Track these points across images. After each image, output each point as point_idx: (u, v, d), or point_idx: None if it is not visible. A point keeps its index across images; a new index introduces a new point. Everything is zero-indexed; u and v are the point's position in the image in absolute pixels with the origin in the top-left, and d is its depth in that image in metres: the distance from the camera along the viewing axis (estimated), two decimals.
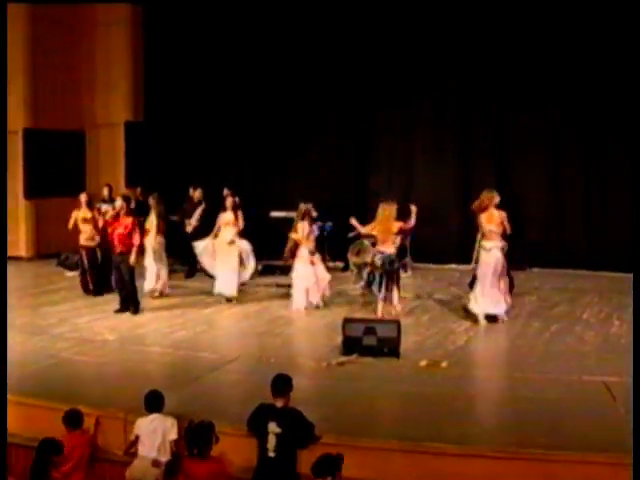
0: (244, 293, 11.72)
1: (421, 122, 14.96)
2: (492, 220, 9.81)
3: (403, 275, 11.09)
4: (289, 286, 11.26)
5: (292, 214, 11.81)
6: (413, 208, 10.43)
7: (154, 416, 6.22)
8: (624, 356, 7.86)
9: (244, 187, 14.04)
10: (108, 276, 11.57)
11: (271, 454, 5.71)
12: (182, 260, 13.88)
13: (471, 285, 10.24)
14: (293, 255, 11.11)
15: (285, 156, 15.47)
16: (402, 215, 10.46)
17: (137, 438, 6.20)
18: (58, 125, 15.73)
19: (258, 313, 10.83)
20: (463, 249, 13.24)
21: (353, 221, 10.62)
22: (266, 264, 13.87)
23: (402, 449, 5.92)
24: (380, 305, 10.19)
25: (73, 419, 6.28)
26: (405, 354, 8.38)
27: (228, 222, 11.34)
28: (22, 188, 15.48)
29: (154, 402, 6.26)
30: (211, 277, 11.82)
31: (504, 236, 9.86)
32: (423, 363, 8.15)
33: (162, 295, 11.75)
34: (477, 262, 10.18)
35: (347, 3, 14.65)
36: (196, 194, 13.87)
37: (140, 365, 8.22)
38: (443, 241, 14.55)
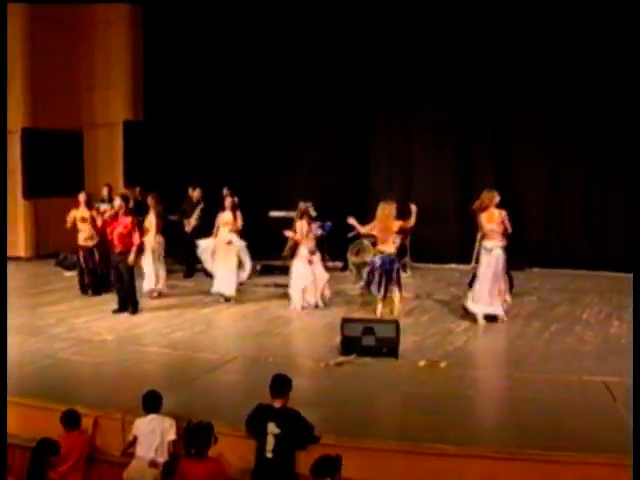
0: (243, 293, 11.69)
1: (422, 122, 14.93)
2: (492, 219, 9.79)
3: (403, 275, 11.05)
4: (288, 286, 11.22)
5: (291, 214, 11.78)
6: (413, 207, 10.38)
7: (152, 416, 6.19)
8: (624, 356, 7.83)
9: (244, 187, 14.03)
10: (107, 276, 11.54)
11: (269, 455, 5.68)
12: (181, 260, 13.86)
13: (471, 284, 10.20)
14: (293, 254, 11.08)
15: (285, 156, 15.46)
16: (403, 214, 10.42)
17: (135, 439, 6.17)
18: (57, 125, 15.70)
19: (257, 313, 10.80)
20: (463, 249, 13.23)
21: (352, 221, 10.58)
22: (265, 264, 13.87)
23: (401, 450, 5.89)
24: (379, 305, 10.16)
25: (70, 419, 6.26)
26: (404, 354, 8.35)
27: (227, 222, 11.32)
28: (20, 188, 15.45)
29: (152, 402, 6.24)
30: (210, 277, 11.79)
31: (505, 235, 9.84)
32: (422, 363, 8.12)
33: (161, 295, 11.73)
34: (477, 262, 10.16)
35: (348, 3, 14.63)
36: (195, 194, 13.85)
37: (138, 365, 8.18)
38: (443, 241, 14.53)
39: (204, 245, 11.57)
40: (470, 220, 10.85)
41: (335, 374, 7.87)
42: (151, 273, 11.58)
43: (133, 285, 10.75)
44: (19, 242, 15.44)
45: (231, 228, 11.30)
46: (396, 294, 10.21)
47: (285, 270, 11.82)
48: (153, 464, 6.01)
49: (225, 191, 12.82)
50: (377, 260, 10.18)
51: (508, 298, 10.11)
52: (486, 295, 9.84)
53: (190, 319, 10.37)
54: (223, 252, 11.27)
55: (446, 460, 5.80)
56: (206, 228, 12.01)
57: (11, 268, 11.63)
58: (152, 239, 11.52)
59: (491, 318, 9.93)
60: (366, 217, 10.76)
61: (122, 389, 7.29)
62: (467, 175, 14.63)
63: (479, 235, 10.11)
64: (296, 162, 15.45)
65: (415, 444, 5.91)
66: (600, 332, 9.52)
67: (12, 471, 6.11)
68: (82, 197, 12.05)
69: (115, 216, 10.93)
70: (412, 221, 10.46)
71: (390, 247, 10.22)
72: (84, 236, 11.84)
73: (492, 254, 9.76)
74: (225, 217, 11.37)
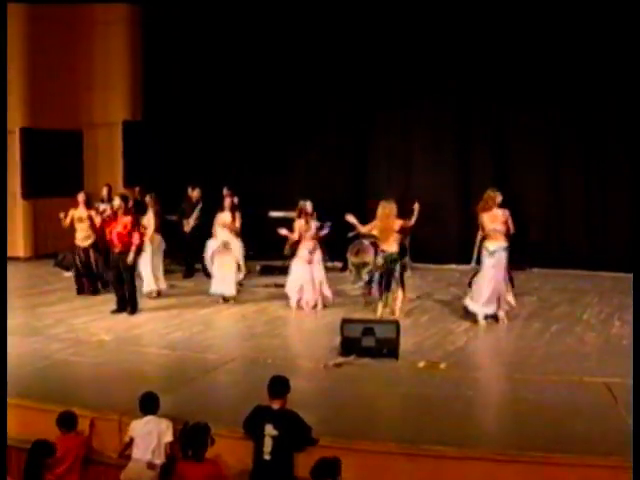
0: (242, 293, 11.65)
1: (421, 122, 14.90)
2: (496, 219, 9.75)
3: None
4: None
5: (291, 214, 11.75)
6: (416, 206, 10.32)
7: (149, 418, 6.14)
8: (626, 357, 7.77)
9: (243, 187, 13.97)
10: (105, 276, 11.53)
11: (267, 457, 5.64)
12: (180, 260, 13.83)
13: (470, 284, 10.14)
14: (294, 253, 11.03)
15: (284, 156, 15.43)
16: (406, 213, 10.37)
17: (132, 440, 6.12)
18: (56, 124, 15.65)
19: (256, 313, 10.75)
20: (463, 249, 13.18)
21: (350, 218, 10.50)
22: (265, 264, 13.83)
23: (401, 452, 5.84)
24: (380, 305, 10.12)
25: (67, 421, 6.22)
26: (404, 355, 8.30)
27: (225, 223, 11.27)
28: (19, 188, 15.42)
29: (149, 404, 6.19)
30: (210, 277, 11.74)
31: (507, 235, 9.80)
32: (422, 364, 8.08)
33: (160, 295, 11.70)
34: (478, 262, 10.11)
35: (347, 3, 14.59)
36: (194, 194, 13.81)
37: (136, 366, 8.13)
38: (442, 241, 14.50)
39: (214, 246, 11.47)
40: (469, 220, 10.81)
41: (334, 375, 7.83)
42: (150, 273, 11.54)
43: (133, 285, 10.71)
44: (18, 242, 15.40)
45: (230, 228, 11.25)
46: (399, 294, 10.16)
47: (285, 270, 11.77)
48: (150, 466, 5.97)
49: (225, 191, 12.76)
50: (380, 259, 10.13)
51: (511, 300, 10.05)
52: (486, 295, 9.79)
53: (189, 319, 10.33)
54: (221, 253, 11.21)
55: (446, 462, 5.75)
56: (205, 228, 11.96)
57: (10, 268, 11.58)
58: (150, 239, 11.48)
59: (492, 318, 9.89)
60: (366, 217, 10.71)
61: (120, 390, 7.24)
62: (466, 175, 14.61)
63: (479, 235, 10.07)
64: (294, 162, 15.43)
65: (414, 446, 5.87)
66: (601, 333, 9.49)
67: (11, 472, 6.08)
68: (81, 197, 12.03)
69: (114, 216, 10.89)
70: (412, 220, 10.41)
71: (392, 246, 10.18)
72: (80, 236, 11.82)
73: (495, 256, 9.70)
74: (223, 217, 11.32)
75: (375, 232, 10.54)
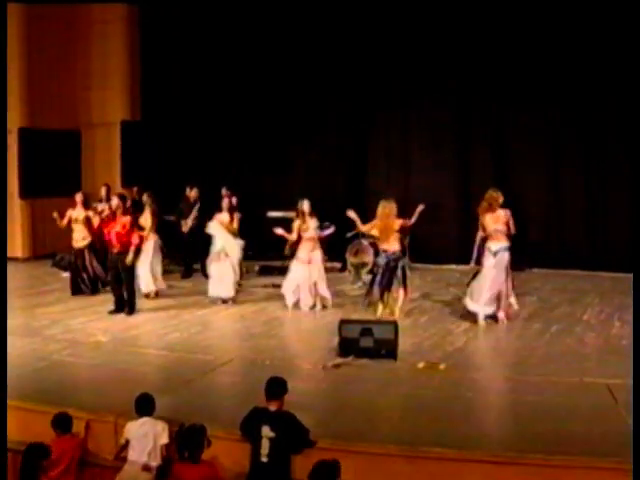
0: (241, 294, 11.59)
1: (420, 122, 14.87)
2: (498, 220, 9.71)
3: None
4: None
5: (290, 214, 11.70)
6: (420, 207, 10.24)
7: (144, 420, 6.08)
8: (626, 358, 7.72)
9: (243, 187, 13.94)
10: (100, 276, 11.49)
11: (264, 459, 5.59)
12: (178, 260, 13.78)
13: (470, 284, 10.09)
14: (293, 253, 10.98)
15: (283, 156, 15.39)
16: (407, 213, 10.33)
17: (127, 442, 6.07)
18: (54, 124, 15.63)
19: (255, 314, 10.70)
20: (462, 249, 13.11)
21: (352, 214, 10.44)
22: (264, 264, 13.78)
23: (400, 454, 5.79)
24: (380, 306, 10.07)
25: (62, 423, 6.17)
26: (402, 356, 8.24)
27: (223, 223, 11.21)
28: (17, 188, 15.38)
29: (144, 405, 6.13)
30: (208, 277, 11.70)
31: (509, 236, 9.75)
32: (421, 365, 8.01)
33: (158, 295, 11.65)
34: (478, 262, 10.06)
35: (347, 3, 14.54)
36: (192, 194, 13.75)
37: (133, 367, 8.06)
38: (442, 241, 14.46)
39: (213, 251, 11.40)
40: (469, 220, 10.76)
41: (333, 376, 7.77)
42: (148, 273, 11.49)
43: (132, 285, 10.65)
44: (16, 242, 15.35)
45: (228, 229, 11.19)
46: (400, 293, 10.10)
47: (284, 270, 11.71)
48: (146, 468, 5.92)
49: (224, 191, 12.73)
50: (381, 259, 10.08)
51: (514, 302, 9.99)
52: (487, 296, 9.73)
53: (187, 320, 10.27)
54: (218, 254, 11.14)
55: (445, 464, 5.70)
56: (203, 228, 11.90)
57: (8, 269, 11.49)
58: (148, 238, 11.43)
59: (491, 319, 9.84)
60: (365, 217, 10.65)
61: (117, 391, 7.18)
62: (465, 175, 14.58)
63: (478, 235, 10.02)
64: (294, 162, 15.39)
65: (413, 448, 5.82)
66: (601, 333, 9.44)
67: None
68: (79, 197, 12.00)
69: (113, 216, 10.84)
70: (413, 219, 10.35)
71: (394, 245, 10.12)
72: (75, 237, 11.79)
73: (497, 256, 9.65)
74: (221, 218, 11.26)
75: (375, 232, 10.49)
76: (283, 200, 13.66)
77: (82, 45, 16.31)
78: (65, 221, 11.86)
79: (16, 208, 15.35)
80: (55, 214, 11.88)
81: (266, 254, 13.69)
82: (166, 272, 12.44)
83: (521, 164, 14.24)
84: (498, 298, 9.81)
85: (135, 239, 10.49)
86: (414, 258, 13.61)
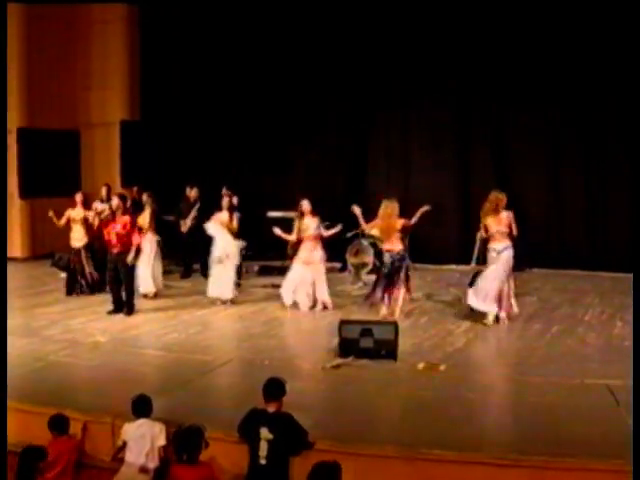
0: (240, 294, 11.53)
1: (420, 122, 14.86)
2: (501, 222, 9.68)
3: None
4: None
5: (289, 214, 11.67)
6: (424, 208, 10.19)
7: (142, 421, 6.04)
8: (627, 358, 7.67)
9: (243, 187, 13.90)
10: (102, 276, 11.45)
11: (262, 461, 5.52)
12: (178, 260, 13.75)
13: (471, 285, 10.04)
14: (295, 253, 10.94)
15: (283, 156, 15.37)
16: (407, 213, 10.29)
17: (124, 444, 6.03)
18: (53, 124, 15.63)
19: (254, 314, 10.66)
20: (462, 250, 13.10)
21: (356, 210, 10.37)
22: (263, 265, 13.75)
23: (400, 455, 5.75)
24: (383, 306, 10.03)
25: (58, 424, 6.13)
26: (403, 356, 8.20)
27: (222, 222, 11.17)
28: (17, 188, 15.36)
29: (142, 407, 6.09)
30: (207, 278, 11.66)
31: (511, 237, 9.71)
32: (421, 366, 7.97)
33: (157, 295, 11.62)
34: (478, 263, 10.01)
35: (347, 3, 14.51)
36: (192, 193, 13.72)
37: (131, 368, 8.02)
38: (442, 242, 14.43)
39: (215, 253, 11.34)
40: (469, 221, 10.72)
41: (332, 377, 7.73)
42: (147, 274, 11.45)
43: (131, 286, 10.62)
44: (15, 242, 15.36)
45: (227, 228, 11.15)
46: (400, 293, 10.05)
47: (284, 270, 11.68)
48: (143, 470, 5.88)
49: (224, 191, 12.68)
50: (387, 258, 10.03)
51: (514, 304, 9.95)
52: (492, 295, 9.68)
53: (186, 320, 10.23)
54: (219, 256, 11.10)
55: (445, 466, 5.66)
56: (203, 228, 11.86)
57: (7, 268, 11.50)
58: (147, 238, 11.40)
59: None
60: (365, 217, 10.60)
61: (115, 392, 7.13)
62: (465, 175, 14.57)
63: (478, 235, 9.98)
64: (294, 162, 15.37)
65: (413, 450, 5.78)
66: (602, 333, 9.40)
67: None
68: (79, 197, 12.00)
69: (113, 216, 10.80)
70: (414, 220, 10.31)
71: (396, 244, 10.08)
72: (74, 236, 11.77)
73: (501, 256, 9.62)
74: (221, 217, 11.22)
75: (375, 231, 10.45)
76: (283, 200, 13.62)
77: (82, 45, 16.30)
78: (64, 220, 11.84)
79: (15, 208, 15.36)
80: (51, 213, 11.86)
81: (266, 254, 13.66)
82: (165, 272, 12.41)
83: (521, 164, 14.22)
84: (500, 298, 9.77)
85: (136, 239, 10.46)
86: (414, 258, 13.59)
